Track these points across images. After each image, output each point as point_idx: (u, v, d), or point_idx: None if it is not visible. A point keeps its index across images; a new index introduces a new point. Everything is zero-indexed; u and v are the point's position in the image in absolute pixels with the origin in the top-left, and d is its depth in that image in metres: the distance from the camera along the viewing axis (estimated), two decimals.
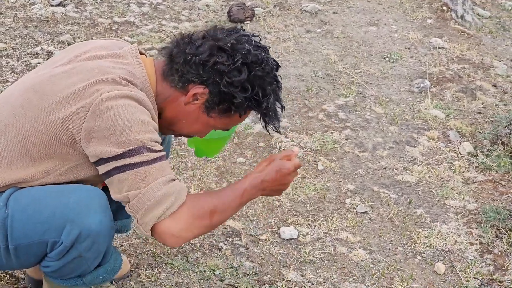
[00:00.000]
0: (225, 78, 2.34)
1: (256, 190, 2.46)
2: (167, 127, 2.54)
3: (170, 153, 3.09)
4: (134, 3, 6.06)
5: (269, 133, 2.59)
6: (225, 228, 3.50)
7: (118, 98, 2.24)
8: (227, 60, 2.33)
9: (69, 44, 5.16)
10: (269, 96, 2.41)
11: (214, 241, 3.41)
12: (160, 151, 2.30)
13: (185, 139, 4.16)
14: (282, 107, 2.50)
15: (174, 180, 2.32)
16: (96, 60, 2.38)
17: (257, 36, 2.45)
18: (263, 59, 2.37)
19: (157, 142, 2.30)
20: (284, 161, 2.49)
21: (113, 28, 5.58)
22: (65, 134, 2.27)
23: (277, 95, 2.45)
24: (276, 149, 4.25)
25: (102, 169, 2.28)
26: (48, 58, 4.93)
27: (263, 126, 2.49)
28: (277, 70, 2.46)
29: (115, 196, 2.30)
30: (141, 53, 2.50)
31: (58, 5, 5.77)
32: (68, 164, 2.34)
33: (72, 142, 2.28)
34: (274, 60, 2.45)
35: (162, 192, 2.26)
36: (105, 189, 2.42)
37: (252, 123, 4.47)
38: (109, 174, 2.27)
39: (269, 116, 2.46)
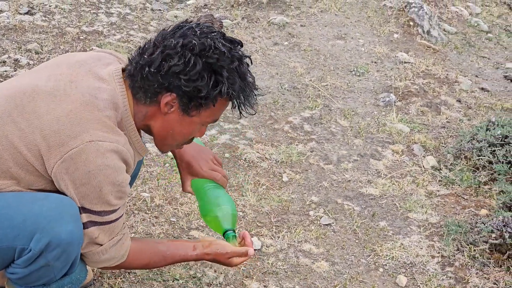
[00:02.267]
0: (183, 77, 2.34)
1: (196, 259, 2.77)
2: (162, 143, 2.58)
3: (139, 171, 3.12)
4: (102, 12, 6.06)
5: (244, 116, 2.55)
6: (189, 237, 3.51)
7: (100, 155, 2.27)
8: (179, 60, 2.33)
9: (36, 52, 5.15)
10: (231, 77, 2.39)
11: None
12: (118, 209, 2.42)
13: (150, 149, 4.16)
14: (253, 78, 2.48)
15: (121, 239, 2.50)
16: (80, 82, 2.38)
17: (200, 24, 2.47)
18: (210, 44, 2.36)
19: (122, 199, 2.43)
20: (232, 259, 2.75)
21: (81, 37, 5.57)
22: (38, 161, 2.28)
23: (240, 71, 2.41)
24: (241, 160, 4.27)
25: None
26: (15, 66, 4.91)
27: (238, 111, 2.49)
28: (240, 46, 2.47)
29: None
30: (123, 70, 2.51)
31: (26, 13, 5.75)
32: (38, 183, 2.35)
33: (43, 170, 2.30)
34: (231, 41, 2.45)
35: (106, 256, 2.49)
36: None
37: (217, 134, 4.49)
38: None
39: (240, 99, 2.45)
